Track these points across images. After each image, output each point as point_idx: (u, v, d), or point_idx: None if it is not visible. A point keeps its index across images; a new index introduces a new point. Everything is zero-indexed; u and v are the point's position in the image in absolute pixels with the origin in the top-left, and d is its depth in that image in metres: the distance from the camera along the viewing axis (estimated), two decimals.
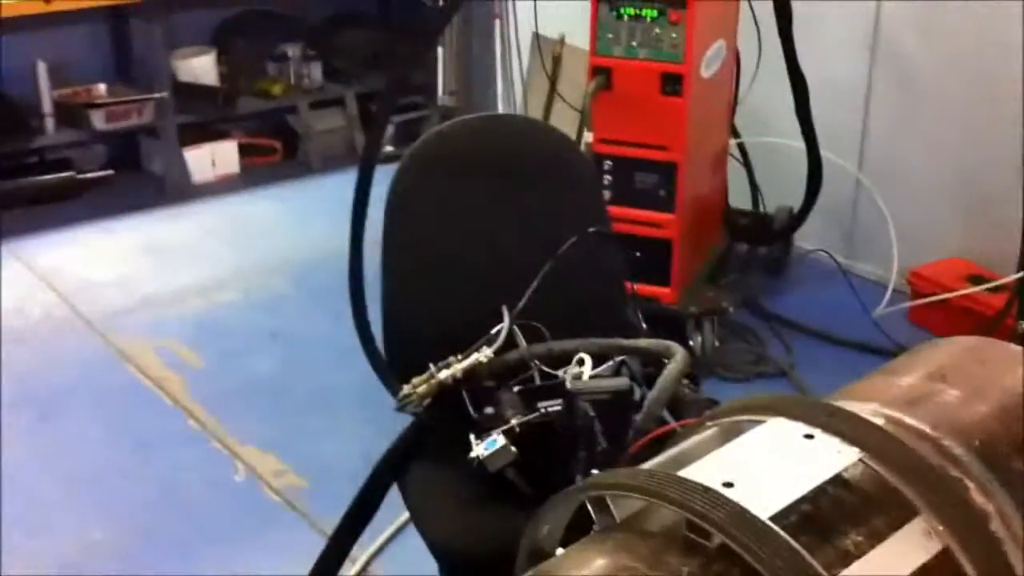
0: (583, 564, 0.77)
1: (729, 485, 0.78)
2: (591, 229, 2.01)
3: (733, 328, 3.62)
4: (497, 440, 1.74)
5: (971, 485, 0.87)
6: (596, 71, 3.18)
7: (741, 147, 3.94)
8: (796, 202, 3.81)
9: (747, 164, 3.94)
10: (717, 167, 3.66)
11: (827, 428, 0.84)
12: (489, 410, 1.84)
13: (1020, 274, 3.25)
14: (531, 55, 4.46)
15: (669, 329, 2.74)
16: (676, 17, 3.09)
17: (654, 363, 1.85)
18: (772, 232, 3.89)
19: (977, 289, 3.41)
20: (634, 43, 3.14)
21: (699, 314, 3.40)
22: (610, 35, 3.16)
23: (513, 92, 4.48)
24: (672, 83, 3.13)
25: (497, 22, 4.45)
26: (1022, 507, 0.88)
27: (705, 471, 0.80)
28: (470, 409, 1.83)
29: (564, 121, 3.55)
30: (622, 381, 1.72)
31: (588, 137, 3.17)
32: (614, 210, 3.27)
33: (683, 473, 0.81)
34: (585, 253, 1.96)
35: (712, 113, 3.46)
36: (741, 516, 0.74)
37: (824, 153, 3.71)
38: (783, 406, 0.88)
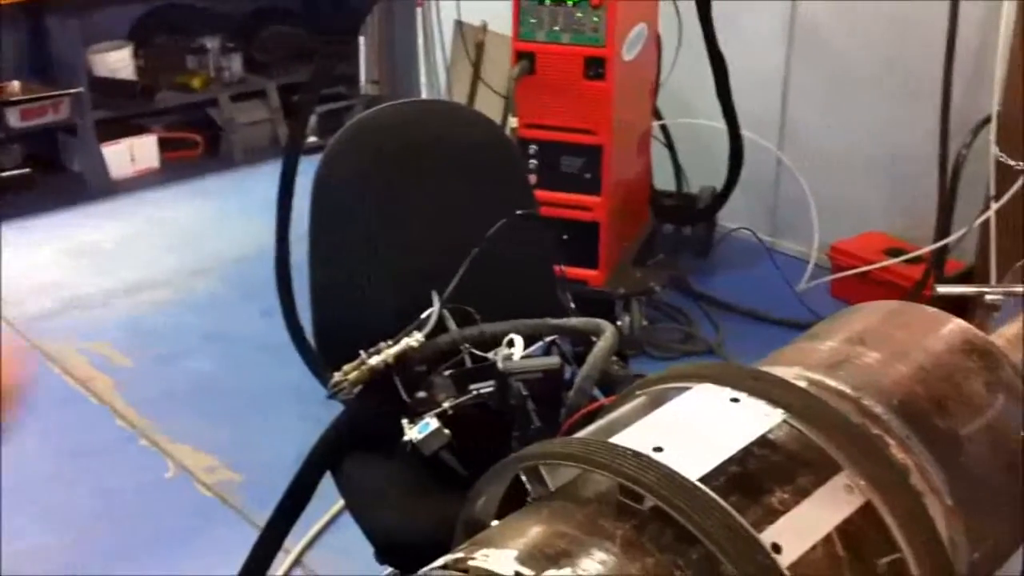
0: (518, 532, 0.78)
1: (659, 449, 0.80)
2: (519, 212, 2.03)
3: (661, 308, 3.67)
4: (430, 423, 1.74)
5: (891, 442, 0.90)
6: (519, 56, 3.19)
7: (664, 129, 3.99)
8: (719, 182, 3.86)
9: (671, 146, 3.99)
10: (642, 149, 3.70)
11: (752, 392, 0.86)
12: (421, 394, 1.84)
13: (936, 245, 3.34)
14: (454, 42, 4.46)
15: (598, 310, 2.77)
16: (597, 1, 3.11)
17: (584, 342, 1.88)
18: (697, 212, 3.94)
19: (895, 261, 3.49)
20: (556, 28, 3.15)
21: (627, 295, 3.43)
22: (532, 20, 3.17)
23: (437, 79, 4.47)
24: (595, 67, 3.15)
25: (419, 10, 4.44)
26: (941, 461, 0.91)
27: (635, 437, 0.82)
28: (403, 394, 1.83)
29: (489, 107, 3.56)
30: (553, 360, 1.74)
31: (513, 122, 3.18)
32: (541, 194, 3.28)
33: (614, 440, 0.83)
34: (513, 236, 1.97)
35: (635, 96, 3.49)
36: (671, 478, 0.76)
37: (746, 133, 3.76)
38: (709, 372, 0.90)
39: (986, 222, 3.22)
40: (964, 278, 3.48)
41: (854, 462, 0.82)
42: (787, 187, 4.04)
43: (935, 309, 1.08)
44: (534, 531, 0.78)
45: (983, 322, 1.14)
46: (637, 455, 0.79)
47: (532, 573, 0.72)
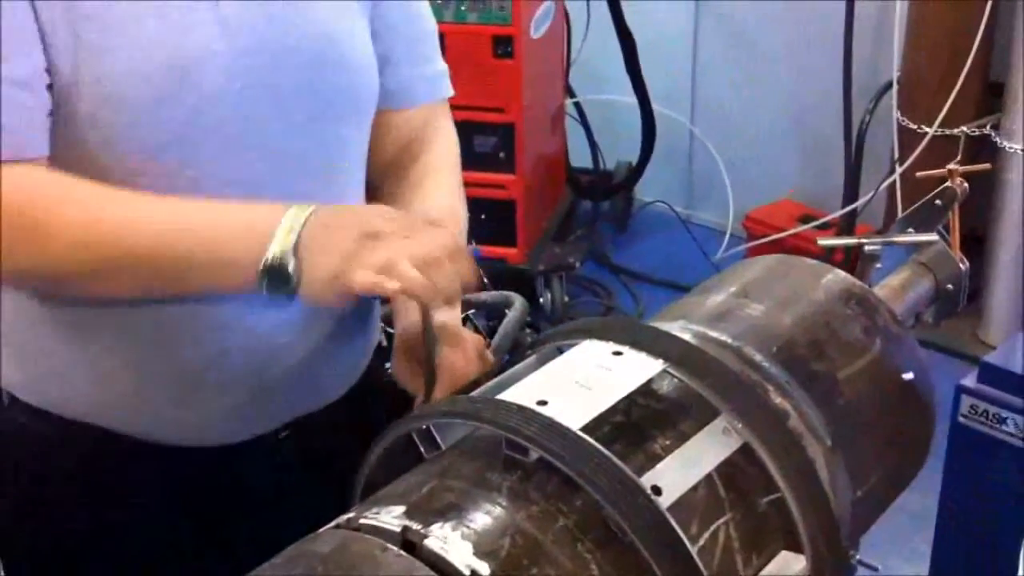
0: (408, 490, 0.80)
1: (543, 403, 0.82)
2: None
3: (582, 283, 3.71)
4: None
5: (769, 387, 0.93)
6: None
7: (579, 106, 4.02)
8: (635, 158, 3.91)
9: (584, 122, 4.02)
10: (555, 126, 3.72)
11: (634, 344, 0.89)
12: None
13: (844, 210, 3.42)
14: None
15: (519, 288, 2.80)
16: None
17: (497, 316, 1.90)
18: (613, 187, 3.98)
19: (806, 227, 3.56)
20: (463, 7, 3.17)
21: (547, 271, 3.46)
22: (439, 1, 3.17)
23: None
24: (503, 45, 3.17)
25: None
26: (820, 404, 0.95)
27: (520, 393, 0.84)
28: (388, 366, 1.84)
29: None
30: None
31: None
32: None
33: (500, 396, 0.85)
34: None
35: (546, 73, 3.52)
36: (552, 428, 0.78)
37: (658, 108, 3.81)
38: (594, 328, 0.93)
39: (892, 186, 3.31)
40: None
41: (731, 407, 0.85)
42: (701, 159, 4.11)
43: (816, 261, 1.12)
44: (423, 488, 0.80)
45: (864, 272, 1.18)
46: (521, 409, 0.81)
47: (419, 527, 0.74)
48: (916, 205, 1.28)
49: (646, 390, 0.88)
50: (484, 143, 3.30)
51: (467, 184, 3.39)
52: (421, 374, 1.04)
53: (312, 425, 1.22)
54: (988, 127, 3.18)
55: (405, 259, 0.94)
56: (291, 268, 0.96)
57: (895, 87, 3.27)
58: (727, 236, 3.88)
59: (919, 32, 3.22)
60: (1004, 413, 2.14)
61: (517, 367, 0.95)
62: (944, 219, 1.27)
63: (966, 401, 2.20)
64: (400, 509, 0.77)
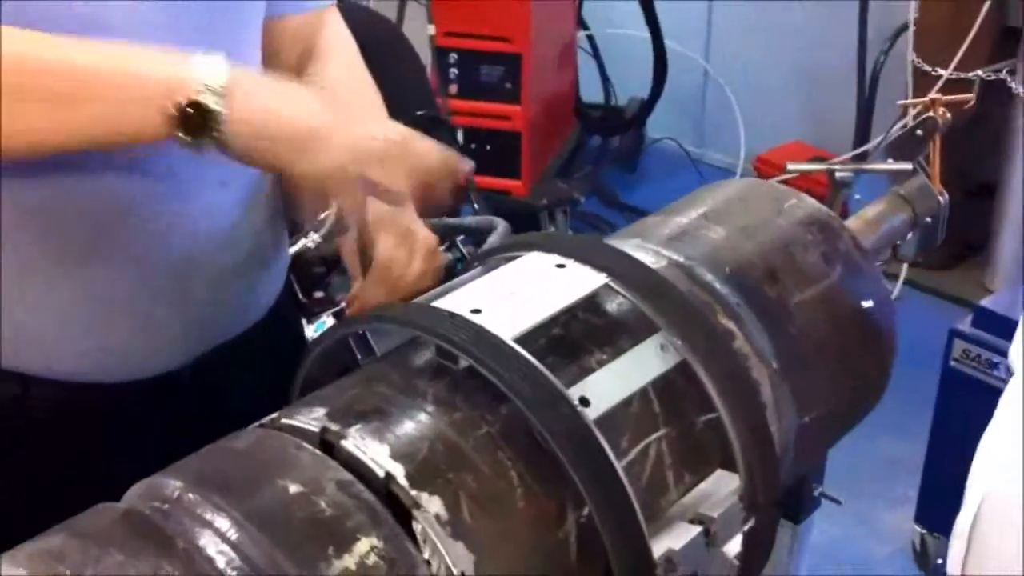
0: (336, 393, 0.79)
1: (476, 311, 0.80)
2: (418, 113, 2.02)
3: (588, 219, 3.67)
4: (326, 322, 1.75)
5: (718, 308, 0.91)
6: None
7: (591, 40, 3.96)
8: (647, 94, 3.85)
9: (597, 56, 3.96)
10: (565, 59, 3.68)
11: (578, 258, 0.87)
12: (319, 294, 1.85)
13: (855, 152, 3.37)
14: None
15: (522, 221, 2.78)
16: None
17: (482, 241, 1.89)
18: (622, 123, 3.94)
19: (815, 168, 3.51)
20: None
21: (550, 205, 3.43)
22: None
23: None
24: None
25: None
26: (770, 328, 0.93)
27: (456, 301, 0.83)
28: (299, 294, 1.83)
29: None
30: (447, 256, 1.75)
31: (431, 30, 3.15)
32: (461, 104, 3.28)
33: (436, 303, 0.83)
34: None
35: (556, 3, 3.47)
36: (480, 336, 0.77)
37: (672, 45, 3.76)
38: (541, 241, 0.91)
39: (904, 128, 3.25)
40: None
41: (672, 323, 0.83)
42: (714, 98, 4.05)
43: (783, 186, 1.10)
44: (350, 392, 0.79)
45: (835, 199, 1.15)
46: (452, 316, 0.79)
47: (338, 427, 0.73)
48: (897, 134, 1.25)
49: (588, 305, 0.86)
50: (490, 72, 3.27)
51: (471, 114, 3.37)
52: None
53: (233, 353, 1.21)
54: (1004, 72, 3.12)
55: (351, 166, 0.92)
56: (214, 106, 0.89)
57: (911, 29, 3.19)
58: (738, 177, 3.84)
59: None
60: (996, 358, 2.12)
61: (462, 277, 0.93)
62: (925, 150, 1.24)
63: (959, 345, 2.18)
64: (322, 411, 0.76)
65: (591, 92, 4.02)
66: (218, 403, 1.19)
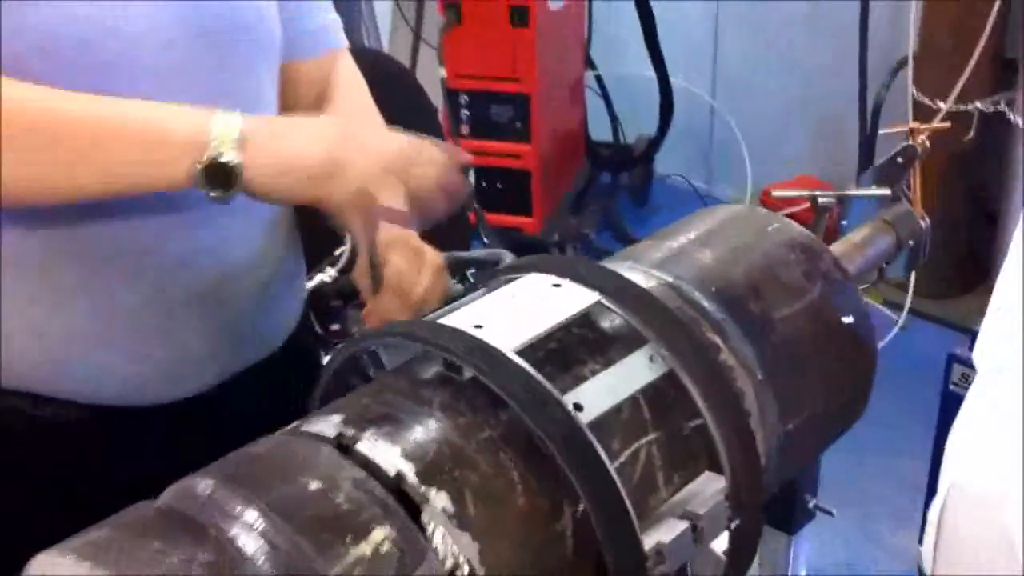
0: (349, 404, 0.86)
1: (478, 327, 0.88)
2: None
3: (599, 254, 3.74)
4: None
5: (704, 323, 0.98)
6: (446, 7, 3.25)
7: (600, 80, 4.06)
8: (655, 131, 3.95)
9: (605, 95, 4.06)
10: (574, 98, 3.77)
11: (572, 277, 0.94)
12: (335, 326, 1.92)
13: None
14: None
15: None
16: None
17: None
18: (631, 159, 4.03)
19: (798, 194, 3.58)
20: None
21: (562, 241, 3.52)
22: None
23: (377, 31, 4.51)
24: (519, 15, 3.22)
25: None
26: (754, 341, 1.00)
27: (460, 318, 0.90)
28: (316, 327, 1.91)
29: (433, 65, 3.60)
30: (457, 287, 1.82)
31: (442, 72, 3.25)
32: (472, 144, 3.38)
33: (442, 320, 0.91)
34: None
35: (563, 45, 3.57)
36: (482, 348, 0.84)
37: (680, 83, 3.86)
38: (540, 263, 0.98)
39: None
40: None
41: (659, 336, 0.90)
42: (721, 134, 4.14)
43: (769, 211, 1.17)
44: (363, 401, 0.86)
45: (817, 223, 1.22)
46: (456, 330, 0.87)
47: (353, 432, 0.80)
48: (880, 163, 1.32)
49: (582, 321, 0.93)
50: (500, 112, 3.36)
51: (483, 153, 3.47)
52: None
53: (254, 379, 1.28)
54: (1002, 103, 3.19)
55: (363, 189, 1.00)
56: (234, 160, 0.98)
57: (911, 63, 3.28)
58: None
59: (935, 9, 3.23)
60: None
61: (465, 297, 1.00)
62: (906, 176, 1.31)
63: (957, 370, 2.24)
64: (338, 418, 0.83)
65: (600, 130, 4.12)
66: (237, 427, 1.26)
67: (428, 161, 1.08)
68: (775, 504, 1.27)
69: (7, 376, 1.17)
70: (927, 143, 1.30)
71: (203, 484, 0.76)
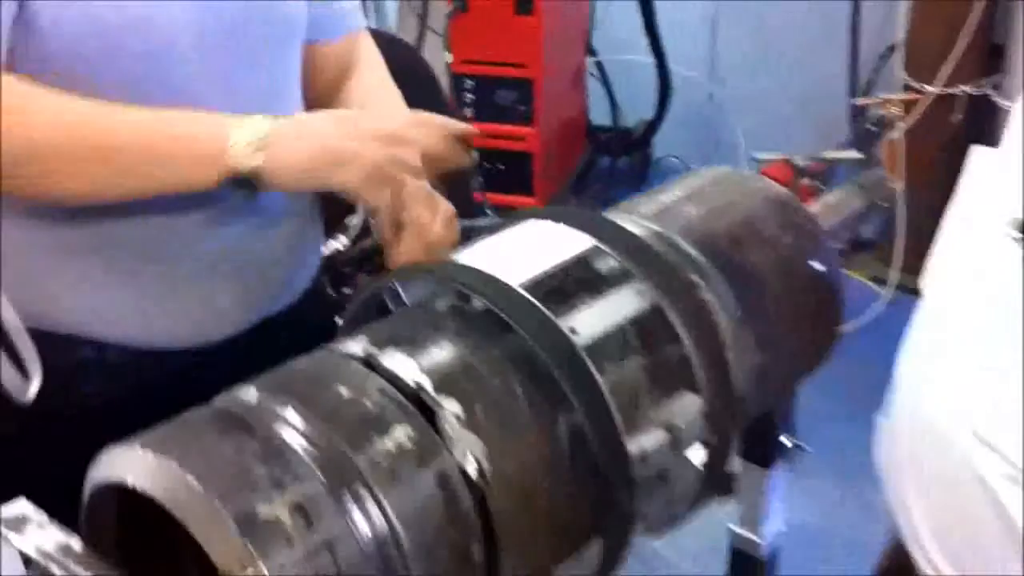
0: (373, 330, 0.98)
1: (486, 264, 1.00)
2: None
3: None
4: None
5: (687, 266, 1.10)
6: None
7: (600, 66, 4.17)
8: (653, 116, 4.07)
9: (606, 81, 4.18)
10: (576, 83, 3.89)
11: (570, 223, 1.06)
12: (347, 291, 2.04)
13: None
14: None
15: None
16: None
17: None
18: (630, 142, 4.14)
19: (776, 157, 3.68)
20: None
21: None
22: None
23: (384, 16, 4.62)
24: (525, 2, 3.34)
25: None
26: (731, 282, 1.12)
27: (469, 256, 1.02)
28: (330, 291, 2.03)
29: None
30: None
31: (448, 58, 3.36)
32: (477, 126, 3.48)
33: (455, 260, 1.03)
34: None
35: (566, 31, 3.68)
36: (491, 280, 0.96)
37: (679, 69, 3.97)
38: (543, 212, 1.10)
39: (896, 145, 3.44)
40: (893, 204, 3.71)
41: (646, 274, 1.02)
42: (717, 119, 4.25)
43: (751, 173, 1.29)
44: (386, 327, 0.98)
45: (794, 181, 1.34)
46: (470, 268, 0.99)
47: (377, 350, 0.93)
48: (855, 131, 1.44)
49: (579, 262, 1.05)
50: (504, 96, 3.48)
51: (487, 135, 3.58)
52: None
53: (280, 323, 1.41)
54: (989, 87, 3.30)
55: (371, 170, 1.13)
56: (258, 161, 1.12)
57: (901, 48, 3.39)
58: None
59: None
60: None
61: (474, 242, 1.12)
62: (878, 142, 1.43)
63: None
64: (366, 340, 0.95)
65: (601, 115, 4.23)
66: (259, 372, 1.41)
67: (428, 132, 1.21)
68: (753, 439, 1.40)
69: (49, 320, 1.30)
70: (899, 112, 1.41)
71: (250, 392, 0.89)
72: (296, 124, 1.19)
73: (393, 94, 1.48)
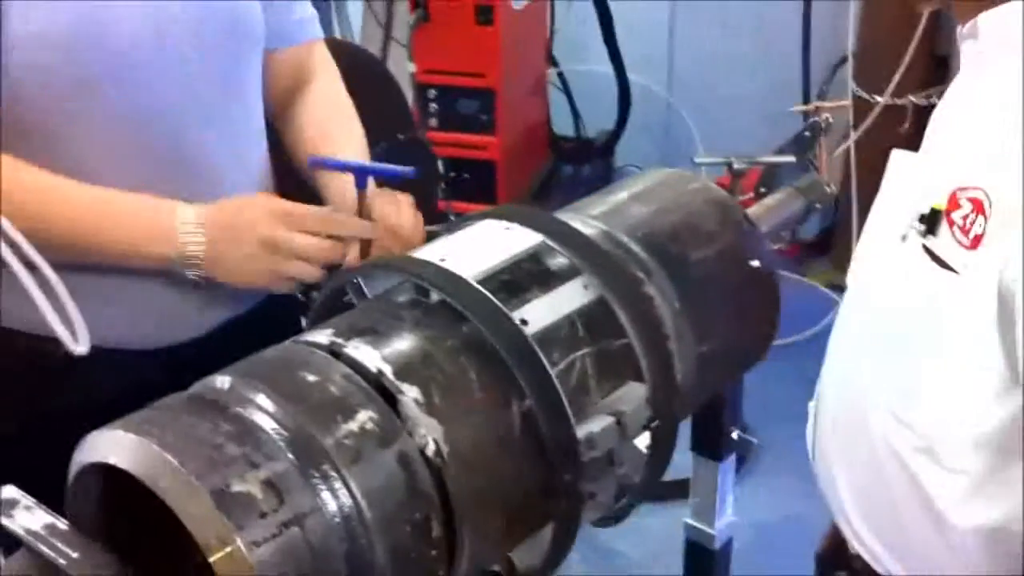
0: (337, 322, 1.05)
1: (443, 259, 1.07)
2: (400, 136, 2.29)
3: None
4: None
5: (631, 261, 1.18)
6: (415, 5, 3.44)
7: (562, 76, 4.26)
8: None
9: (567, 91, 4.26)
10: (537, 93, 3.97)
11: (521, 222, 1.14)
12: (315, 294, 2.11)
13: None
14: None
15: None
16: None
17: None
18: (591, 151, 4.23)
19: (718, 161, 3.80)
20: None
21: None
22: None
23: (350, 27, 4.69)
24: (484, 14, 3.42)
25: None
26: (672, 276, 1.19)
27: (427, 252, 1.10)
28: (298, 295, 2.09)
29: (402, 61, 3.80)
30: None
31: (411, 67, 3.44)
32: (440, 135, 3.57)
33: (412, 255, 1.10)
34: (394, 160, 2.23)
35: (527, 42, 3.77)
36: (446, 274, 1.03)
37: (638, 79, 4.07)
38: (494, 212, 1.18)
39: (847, 153, 3.55)
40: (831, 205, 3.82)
41: (591, 268, 1.10)
42: (676, 128, 4.36)
43: (692, 174, 1.37)
44: (349, 319, 1.05)
45: (735, 185, 1.42)
46: (426, 262, 1.06)
47: (341, 340, 1.00)
48: (792, 137, 1.53)
49: (529, 257, 1.13)
50: (467, 106, 3.55)
51: (450, 144, 3.66)
52: None
53: (247, 323, 1.48)
54: (934, 97, 3.42)
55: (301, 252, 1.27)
56: (198, 274, 1.30)
57: (851, 60, 3.50)
58: None
59: (872, 10, 3.45)
60: None
61: (433, 240, 1.20)
62: (813, 147, 1.52)
63: None
64: (330, 331, 1.02)
65: (563, 125, 4.32)
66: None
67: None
68: (703, 433, 1.48)
69: (23, 320, 1.36)
70: (830, 119, 1.50)
71: (223, 379, 0.95)
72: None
73: (345, 108, 1.56)
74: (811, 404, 1.28)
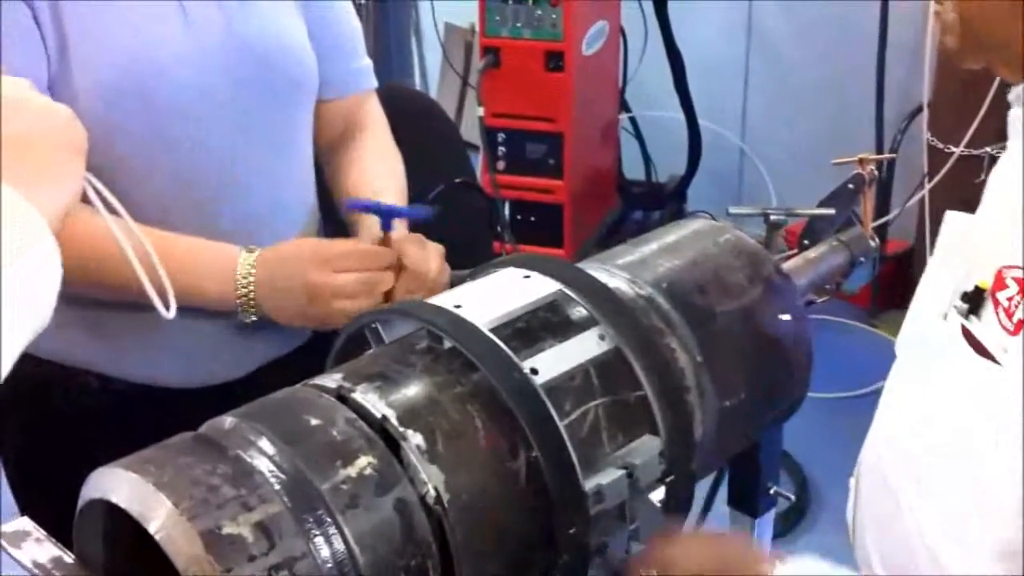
0: (349, 366, 1.05)
1: (458, 307, 1.07)
2: (456, 180, 2.31)
3: None
4: None
5: (652, 312, 1.16)
6: (485, 51, 3.48)
7: (634, 121, 4.26)
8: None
9: (639, 136, 4.26)
10: (606, 138, 3.97)
11: (541, 271, 1.13)
12: None
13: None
14: (445, 43, 4.74)
15: None
16: (556, 0, 3.40)
17: None
18: (661, 197, 4.21)
19: (753, 212, 3.74)
20: (519, 24, 3.45)
21: None
22: (497, 18, 3.47)
23: (426, 78, 4.76)
24: (555, 60, 3.44)
25: (413, 11, 4.71)
26: (695, 329, 1.17)
27: (443, 299, 1.10)
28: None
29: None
30: None
31: (480, 111, 3.47)
32: (508, 179, 3.59)
33: (429, 301, 1.10)
34: (448, 204, 2.25)
35: (597, 87, 3.77)
36: (458, 321, 1.03)
37: (712, 126, 4.05)
38: (516, 260, 1.18)
39: (922, 202, 3.48)
40: (906, 256, 3.74)
41: (607, 319, 1.09)
42: (750, 176, 4.32)
43: (726, 225, 1.35)
44: (360, 364, 1.05)
45: (771, 238, 1.40)
46: (439, 308, 1.06)
47: (349, 384, 1.00)
48: (834, 190, 1.50)
49: (547, 306, 1.12)
50: (535, 150, 3.57)
51: (518, 188, 3.67)
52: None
53: (280, 368, 1.50)
54: None
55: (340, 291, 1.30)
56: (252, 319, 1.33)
57: (925, 110, 3.44)
58: None
59: (947, 60, 3.38)
60: None
61: (456, 287, 1.20)
62: (856, 201, 1.49)
63: None
64: (339, 375, 1.02)
65: (634, 169, 4.31)
66: None
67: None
68: (739, 489, 1.45)
69: (78, 358, 1.40)
70: (875, 172, 1.47)
71: (229, 420, 0.96)
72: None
73: (389, 159, 1.58)
74: (851, 480, 1.24)
